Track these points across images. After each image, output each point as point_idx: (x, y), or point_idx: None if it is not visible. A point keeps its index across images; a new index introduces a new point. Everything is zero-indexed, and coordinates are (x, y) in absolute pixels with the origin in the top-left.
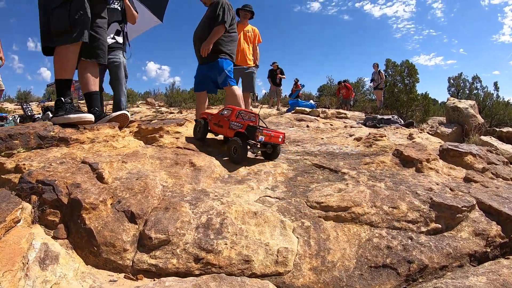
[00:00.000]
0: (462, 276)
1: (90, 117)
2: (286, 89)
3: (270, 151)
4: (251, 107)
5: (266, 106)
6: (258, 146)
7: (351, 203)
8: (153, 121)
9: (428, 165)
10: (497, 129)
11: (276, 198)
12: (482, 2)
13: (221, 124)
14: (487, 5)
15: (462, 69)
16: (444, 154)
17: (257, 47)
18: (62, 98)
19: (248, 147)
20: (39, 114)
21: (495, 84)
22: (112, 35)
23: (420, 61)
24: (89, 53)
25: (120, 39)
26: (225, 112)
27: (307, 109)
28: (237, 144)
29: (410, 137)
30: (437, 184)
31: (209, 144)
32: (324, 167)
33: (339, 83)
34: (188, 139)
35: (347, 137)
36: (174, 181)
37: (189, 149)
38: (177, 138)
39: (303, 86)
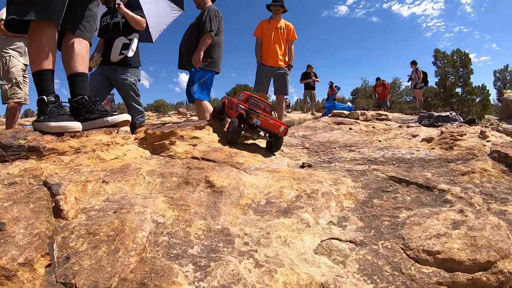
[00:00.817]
0: None
1: (77, 126)
2: (320, 94)
3: (272, 141)
4: (284, 112)
5: (299, 111)
6: (260, 133)
7: (494, 252)
8: (167, 124)
9: None
10: None
11: (351, 242)
12: None
13: (232, 107)
14: None
15: (496, 65)
16: None
17: (292, 45)
18: (45, 97)
19: (244, 128)
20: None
21: None
22: (119, 51)
23: None
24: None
25: (130, 53)
26: (240, 97)
27: (345, 112)
28: (233, 125)
29: (483, 135)
30: None
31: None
32: (408, 182)
33: (377, 79)
34: (210, 146)
35: (410, 138)
36: (177, 214)
37: (209, 159)
38: (194, 145)
39: (339, 88)
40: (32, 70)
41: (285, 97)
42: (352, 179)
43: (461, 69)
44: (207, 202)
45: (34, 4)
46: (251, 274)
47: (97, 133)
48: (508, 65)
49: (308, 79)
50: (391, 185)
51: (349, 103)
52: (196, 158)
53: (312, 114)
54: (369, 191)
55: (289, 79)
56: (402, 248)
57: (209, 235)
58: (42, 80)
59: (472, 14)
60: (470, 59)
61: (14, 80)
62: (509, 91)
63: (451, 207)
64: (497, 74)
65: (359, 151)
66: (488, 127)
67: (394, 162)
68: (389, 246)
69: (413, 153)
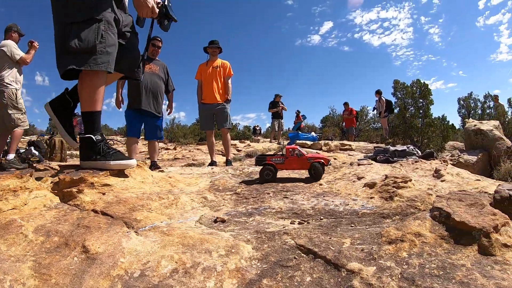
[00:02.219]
0: None
1: (133, 163)
2: (289, 123)
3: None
4: (231, 141)
5: (268, 140)
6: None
7: None
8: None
9: (499, 239)
10: None
11: None
12: (477, 24)
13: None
14: (482, 26)
15: (463, 92)
16: (507, 206)
17: (229, 81)
18: (92, 136)
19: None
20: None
21: (509, 100)
22: None
23: None
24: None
25: None
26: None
27: (309, 142)
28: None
29: (437, 174)
30: None
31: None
32: (316, 254)
33: (345, 104)
34: (118, 197)
35: (354, 181)
36: (36, 285)
37: (107, 214)
38: (103, 193)
39: (304, 117)
40: (83, 109)
41: (257, 124)
42: (253, 246)
43: (421, 100)
44: (75, 271)
45: (93, 54)
46: None
47: (7, 177)
48: (472, 92)
49: (276, 108)
50: (295, 258)
51: (313, 133)
52: (96, 211)
53: (279, 143)
54: (264, 265)
55: (229, 112)
56: None
57: None
58: (92, 120)
59: (440, 43)
60: (430, 90)
61: (23, 110)
62: (471, 120)
63: None
64: (461, 102)
65: (292, 199)
66: (446, 161)
67: (321, 217)
68: None
69: (348, 204)
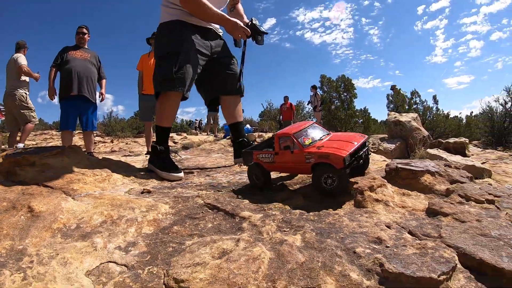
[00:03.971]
0: None
1: (180, 175)
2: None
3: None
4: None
5: (205, 133)
6: None
7: (229, 285)
8: (29, 149)
9: (373, 196)
10: (443, 141)
11: (124, 265)
12: (415, 27)
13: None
14: (420, 30)
15: (403, 90)
16: (393, 176)
17: None
18: (157, 146)
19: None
20: None
21: (434, 97)
22: None
23: (359, 84)
24: None
25: None
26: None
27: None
28: None
29: None
30: (389, 228)
31: (86, 180)
32: (219, 209)
33: (285, 98)
34: (57, 173)
35: None
36: None
37: (47, 186)
38: (43, 171)
39: (242, 111)
40: (158, 124)
41: (197, 118)
42: (170, 206)
43: (345, 94)
44: (22, 225)
45: (169, 81)
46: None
47: None
48: (400, 89)
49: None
50: (202, 212)
51: (248, 126)
52: (37, 184)
53: (215, 136)
54: (177, 217)
55: None
56: (164, 274)
57: (9, 254)
58: (162, 134)
59: (379, 44)
60: (353, 84)
61: (33, 108)
62: (392, 113)
63: (236, 234)
64: (390, 97)
65: (213, 177)
66: None
67: (233, 187)
68: (154, 272)
69: None
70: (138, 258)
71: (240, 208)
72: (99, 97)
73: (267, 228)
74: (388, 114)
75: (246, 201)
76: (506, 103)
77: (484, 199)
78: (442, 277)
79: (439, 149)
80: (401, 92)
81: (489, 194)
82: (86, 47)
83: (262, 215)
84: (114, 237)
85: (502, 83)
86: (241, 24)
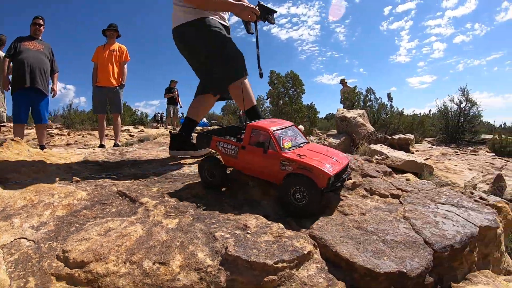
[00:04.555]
0: None
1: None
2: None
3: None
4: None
5: (164, 127)
6: None
7: (94, 255)
8: None
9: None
10: (389, 137)
11: (32, 241)
12: (381, 27)
13: None
14: (385, 30)
15: (363, 87)
16: None
17: (125, 66)
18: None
19: None
20: None
21: (389, 95)
22: None
23: (323, 80)
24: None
25: None
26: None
27: (198, 128)
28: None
29: None
30: (266, 217)
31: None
32: (126, 195)
33: None
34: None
35: None
36: None
37: None
38: None
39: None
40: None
41: (159, 111)
42: (87, 193)
43: (292, 89)
44: None
45: (240, 68)
46: None
47: None
48: (356, 86)
49: (171, 93)
50: (112, 198)
51: (204, 119)
52: None
53: (174, 129)
54: (89, 203)
55: (122, 97)
56: (59, 248)
57: None
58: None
59: (344, 42)
60: (301, 80)
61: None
62: (341, 109)
63: (131, 216)
64: (346, 94)
65: (144, 168)
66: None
67: (155, 177)
68: (53, 246)
69: (182, 169)
70: (45, 235)
71: (143, 195)
72: (51, 92)
73: (155, 212)
74: (337, 110)
75: (155, 189)
76: (461, 102)
77: (389, 194)
78: (280, 265)
79: (382, 145)
80: (349, 86)
81: (398, 188)
82: (41, 38)
83: (158, 201)
84: (31, 218)
85: (462, 84)
86: (249, 4)
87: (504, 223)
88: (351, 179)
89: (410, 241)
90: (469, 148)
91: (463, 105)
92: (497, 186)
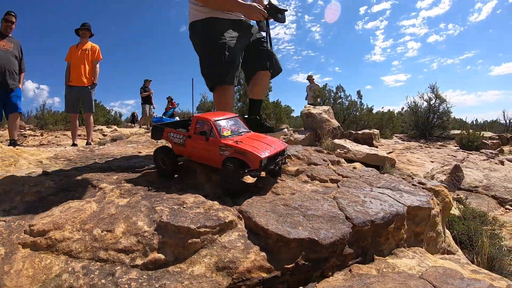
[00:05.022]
0: None
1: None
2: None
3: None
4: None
5: (139, 126)
6: None
7: (53, 225)
8: None
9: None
10: (353, 132)
11: (3, 221)
12: (356, 27)
13: None
14: (360, 29)
15: (336, 85)
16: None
17: (97, 65)
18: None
19: None
20: None
21: (358, 92)
22: None
23: (299, 78)
24: None
25: None
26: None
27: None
28: None
29: None
30: (205, 197)
31: None
32: (88, 182)
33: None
34: None
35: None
36: None
37: None
38: None
39: (178, 104)
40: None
41: (135, 110)
42: (54, 182)
43: None
44: None
45: (221, 76)
46: None
47: None
48: (326, 84)
49: (146, 92)
50: (77, 187)
51: (177, 118)
52: None
53: (147, 128)
54: (54, 190)
55: (94, 96)
56: (27, 224)
57: None
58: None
59: (320, 41)
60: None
61: None
62: (307, 105)
63: (89, 197)
64: (317, 92)
65: (111, 162)
66: None
67: (117, 169)
68: (21, 223)
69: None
70: (15, 217)
71: (102, 182)
72: None
73: (111, 194)
74: (304, 107)
75: (114, 177)
76: (430, 99)
77: (328, 179)
78: (203, 229)
79: (346, 140)
80: (316, 83)
81: (339, 175)
82: (11, 35)
83: (115, 186)
84: (3, 203)
85: (436, 82)
86: (257, 6)
87: (442, 205)
88: (286, 163)
89: (330, 216)
90: (438, 143)
91: (432, 101)
92: (455, 176)
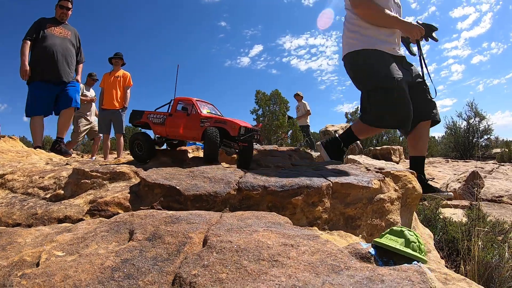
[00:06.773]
0: None
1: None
2: None
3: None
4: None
5: None
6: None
7: (10, 172)
8: None
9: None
10: (372, 148)
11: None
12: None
13: None
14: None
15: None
16: None
17: (128, 90)
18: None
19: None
20: None
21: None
22: None
23: (343, 109)
24: None
25: None
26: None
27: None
28: None
29: None
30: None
31: None
32: (84, 173)
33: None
34: None
35: None
36: None
37: None
38: None
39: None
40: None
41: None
42: (53, 165)
43: (275, 107)
44: None
45: (396, 121)
46: None
47: None
48: (358, 107)
49: None
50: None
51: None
52: None
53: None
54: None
55: (124, 119)
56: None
57: None
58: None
59: None
60: (284, 98)
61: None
62: (328, 125)
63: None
64: (349, 116)
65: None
66: None
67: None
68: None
69: None
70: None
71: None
72: None
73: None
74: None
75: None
76: (469, 118)
77: (275, 166)
78: (94, 173)
79: (362, 155)
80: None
81: (292, 165)
82: (67, 23)
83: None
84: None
85: (482, 105)
86: (415, 23)
87: (402, 192)
88: (259, 140)
89: (224, 181)
90: (472, 160)
91: (471, 120)
92: (471, 184)
